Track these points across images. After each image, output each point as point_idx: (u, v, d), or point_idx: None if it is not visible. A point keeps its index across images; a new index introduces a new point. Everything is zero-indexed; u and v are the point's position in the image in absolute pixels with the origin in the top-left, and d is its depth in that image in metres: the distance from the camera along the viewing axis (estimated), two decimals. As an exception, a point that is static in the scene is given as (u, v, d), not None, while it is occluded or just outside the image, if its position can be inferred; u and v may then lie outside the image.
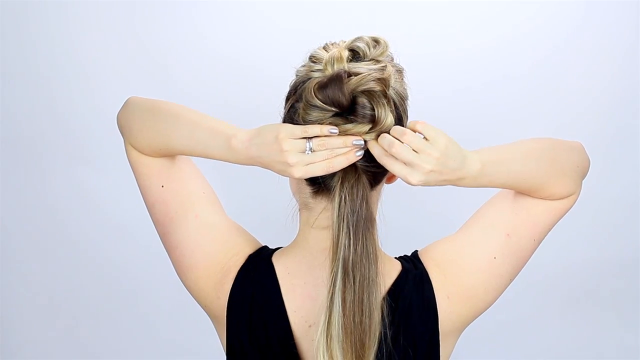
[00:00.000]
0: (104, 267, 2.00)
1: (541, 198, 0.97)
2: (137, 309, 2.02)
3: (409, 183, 0.83)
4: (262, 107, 1.76)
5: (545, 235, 1.00)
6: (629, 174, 1.94)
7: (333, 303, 0.84)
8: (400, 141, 0.81)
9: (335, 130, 0.83)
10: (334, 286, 0.84)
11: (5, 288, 2.01)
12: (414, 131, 0.83)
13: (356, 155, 0.83)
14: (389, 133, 0.83)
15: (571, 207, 1.00)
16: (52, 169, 1.95)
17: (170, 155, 0.98)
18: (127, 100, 1.02)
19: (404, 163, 0.82)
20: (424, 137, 0.82)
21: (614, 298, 2.02)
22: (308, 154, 0.83)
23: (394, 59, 0.89)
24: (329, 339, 0.83)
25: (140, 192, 1.02)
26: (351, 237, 0.84)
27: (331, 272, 0.85)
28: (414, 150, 0.81)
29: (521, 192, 0.97)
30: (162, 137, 0.95)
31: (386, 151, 0.82)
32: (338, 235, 0.84)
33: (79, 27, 1.85)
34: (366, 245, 0.84)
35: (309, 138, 0.83)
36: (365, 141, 0.84)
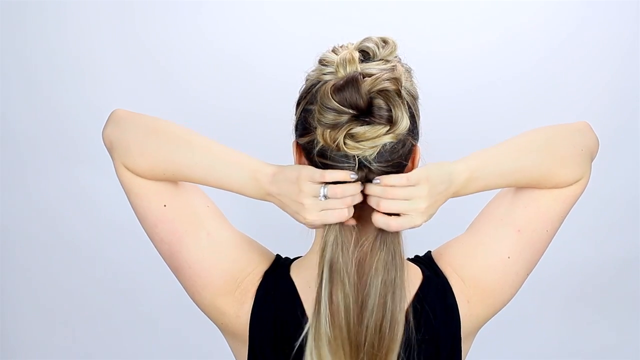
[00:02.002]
0: (103, 267, 1.99)
1: (548, 188, 0.95)
2: (137, 309, 2.02)
3: (414, 227, 0.85)
4: (264, 109, 1.79)
5: (560, 224, 0.99)
6: (628, 174, 1.94)
7: (320, 303, 0.85)
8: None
9: (355, 175, 0.84)
10: (320, 286, 0.85)
11: (5, 288, 2.01)
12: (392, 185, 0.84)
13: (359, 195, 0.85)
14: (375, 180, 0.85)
15: (582, 192, 0.98)
16: (51, 169, 1.94)
17: (174, 181, 0.94)
18: (113, 115, 0.95)
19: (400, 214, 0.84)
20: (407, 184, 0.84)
21: (614, 297, 2.02)
22: (321, 199, 0.83)
23: (401, 60, 0.88)
24: (317, 338, 0.84)
25: (136, 212, 0.96)
26: (339, 238, 0.86)
27: (319, 272, 0.86)
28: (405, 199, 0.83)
29: (525, 187, 0.96)
30: (171, 163, 0.90)
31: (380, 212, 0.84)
32: (326, 237, 0.86)
33: (77, 26, 1.85)
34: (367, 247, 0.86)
35: (325, 183, 0.83)
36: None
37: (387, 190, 0.83)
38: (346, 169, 0.85)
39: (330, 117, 0.81)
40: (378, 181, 0.84)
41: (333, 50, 0.88)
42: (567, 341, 2.03)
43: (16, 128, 1.92)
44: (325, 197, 0.83)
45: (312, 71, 0.88)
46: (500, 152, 0.93)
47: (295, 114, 0.90)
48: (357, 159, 0.84)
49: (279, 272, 0.94)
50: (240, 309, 0.93)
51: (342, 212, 0.84)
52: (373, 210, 0.86)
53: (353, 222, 0.86)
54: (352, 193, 0.84)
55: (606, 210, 1.96)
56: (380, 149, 0.83)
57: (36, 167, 1.95)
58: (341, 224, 0.85)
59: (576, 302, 2.02)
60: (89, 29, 1.85)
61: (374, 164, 0.84)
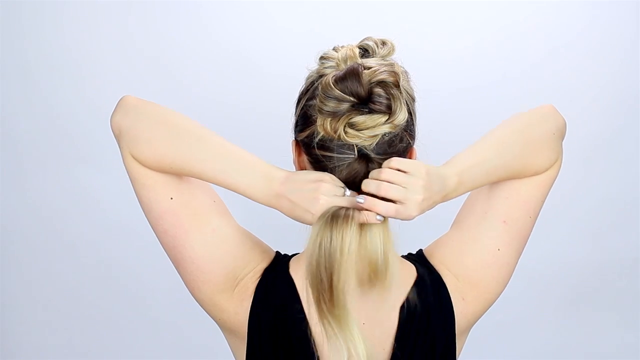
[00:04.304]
0: (103, 266, 2.00)
1: (528, 176, 0.98)
2: (137, 309, 2.02)
3: (408, 218, 0.84)
4: (266, 107, 1.79)
5: (541, 208, 1.01)
6: (628, 174, 1.94)
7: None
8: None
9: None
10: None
11: (5, 288, 2.02)
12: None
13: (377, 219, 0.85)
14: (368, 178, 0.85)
15: (557, 174, 1.01)
16: (50, 169, 1.95)
17: (179, 175, 0.93)
18: (123, 102, 0.94)
19: (395, 202, 0.84)
20: (402, 171, 0.84)
21: (614, 297, 2.02)
22: (347, 194, 0.85)
23: (400, 64, 0.89)
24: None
25: (141, 202, 0.95)
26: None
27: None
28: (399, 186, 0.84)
29: (507, 179, 0.98)
30: (179, 157, 0.90)
31: (375, 196, 0.84)
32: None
33: (76, 25, 1.85)
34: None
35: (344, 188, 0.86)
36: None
37: (387, 173, 0.84)
38: (347, 160, 0.86)
39: (331, 104, 0.82)
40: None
41: (334, 49, 0.90)
42: (567, 341, 2.03)
43: (16, 128, 1.92)
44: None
45: (313, 69, 0.90)
46: (483, 151, 0.94)
47: (295, 112, 0.91)
48: (356, 148, 0.85)
49: (278, 269, 0.95)
50: (239, 306, 0.93)
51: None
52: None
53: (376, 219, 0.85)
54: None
55: (606, 210, 1.96)
56: (379, 140, 0.84)
57: (36, 166, 1.95)
58: (346, 222, 0.85)
59: (575, 302, 2.02)
60: (88, 28, 1.85)
61: (373, 155, 0.85)
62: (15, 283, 2.01)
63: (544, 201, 1.01)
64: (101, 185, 1.93)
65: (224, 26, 1.85)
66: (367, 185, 0.85)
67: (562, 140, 1.02)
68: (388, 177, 0.84)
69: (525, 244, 1.01)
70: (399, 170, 0.84)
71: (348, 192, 0.85)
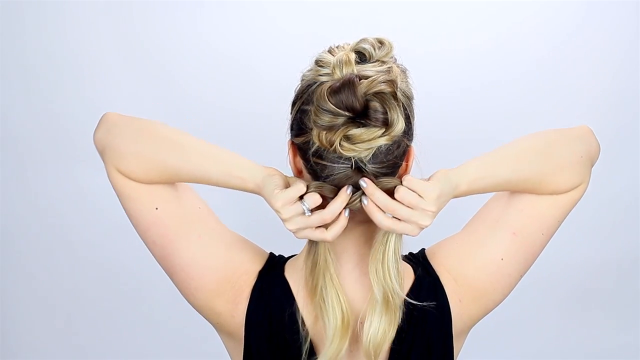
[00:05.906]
0: (103, 266, 2.00)
1: (544, 194, 0.96)
2: (137, 309, 2.02)
3: (410, 234, 0.85)
4: (263, 109, 1.79)
5: (557, 228, 0.99)
6: (628, 174, 1.94)
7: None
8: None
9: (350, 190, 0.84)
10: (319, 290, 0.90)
11: (5, 288, 2.02)
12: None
13: (345, 217, 0.85)
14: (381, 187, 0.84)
15: (580, 197, 0.98)
16: (50, 168, 1.95)
17: (170, 182, 0.94)
18: (104, 119, 0.96)
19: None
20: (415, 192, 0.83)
21: (613, 298, 2.02)
22: (308, 215, 0.83)
23: (397, 60, 0.88)
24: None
25: (129, 215, 0.96)
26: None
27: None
28: (407, 206, 0.83)
29: (521, 192, 0.96)
30: (165, 167, 0.91)
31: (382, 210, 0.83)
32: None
33: (77, 27, 1.85)
34: None
35: (301, 197, 0.83)
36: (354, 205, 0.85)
37: (401, 191, 0.83)
38: (342, 170, 0.84)
39: (326, 119, 0.81)
40: (364, 184, 0.84)
41: (329, 51, 0.87)
42: (567, 341, 2.04)
43: (16, 128, 1.92)
44: (310, 210, 0.83)
45: (308, 71, 0.88)
46: (498, 161, 0.93)
47: (291, 114, 0.90)
48: (352, 160, 0.83)
49: (273, 272, 0.95)
50: (235, 309, 0.93)
51: (324, 235, 0.84)
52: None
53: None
54: (330, 216, 0.83)
55: (606, 211, 1.96)
56: (375, 151, 0.83)
57: (36, 166, 1.95)
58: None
59: (576, 303, 2.02)
60: (89, 29, 1.85)
61: (369, 165, 0.84)
62: (15, 283, 2.01)
63: (561, 222, 0.99)
64: (100, 185, 1.89)
65: (223, 29, 1.85)
66: (377, 199, 0.83)
67: (592, 165, 1.00)
68: (401, 197, 0.83)
69: (534, 260, 0.99)
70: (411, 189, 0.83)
71: (305, 207, 0.83)
